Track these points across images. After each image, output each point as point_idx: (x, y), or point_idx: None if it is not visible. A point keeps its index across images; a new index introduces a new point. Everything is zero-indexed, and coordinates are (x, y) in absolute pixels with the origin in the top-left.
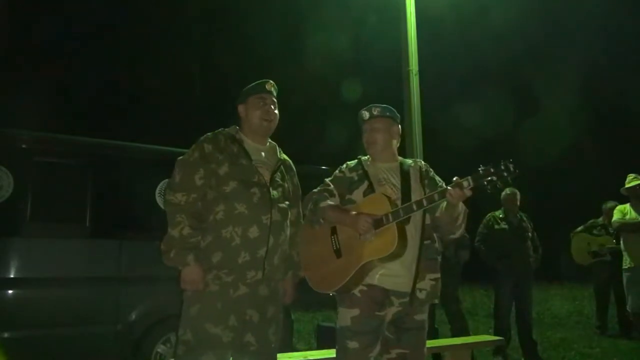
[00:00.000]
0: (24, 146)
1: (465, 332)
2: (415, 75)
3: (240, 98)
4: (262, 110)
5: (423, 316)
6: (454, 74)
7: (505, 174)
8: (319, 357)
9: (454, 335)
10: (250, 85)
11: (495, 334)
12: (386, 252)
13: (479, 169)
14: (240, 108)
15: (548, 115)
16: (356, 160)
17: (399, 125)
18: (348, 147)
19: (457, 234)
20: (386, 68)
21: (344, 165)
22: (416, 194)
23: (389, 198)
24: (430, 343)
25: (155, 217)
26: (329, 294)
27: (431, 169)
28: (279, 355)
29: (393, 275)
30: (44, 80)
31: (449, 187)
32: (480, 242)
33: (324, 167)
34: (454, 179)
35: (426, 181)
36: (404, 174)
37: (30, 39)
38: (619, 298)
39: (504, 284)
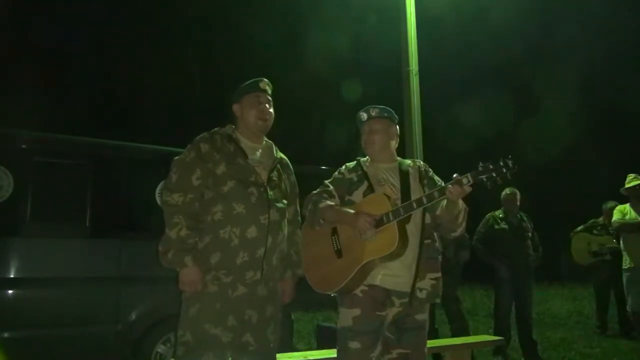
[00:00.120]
0: (24, 146)
1: (465, 332)
2: (415, 75)
3: (235, 97)
4: (258, 110)
5: (424, 316)
6: (454, 74)
7: (504, 170)
8: (319, 357)
9: (454, 335)
10: (245, 84)
11: (495, 334)
12: (387, 251)
13: (478, 165)
14: (236, 107)
15: (548, 115)
16: (355, 162)
17: (397, 126)
18: (348, 147)
19: (458, 232)
20: (386, 68)
21: (343, 167)
22: (416, 194)
23: (388, 197)
24: (430, 343)
25: (155, 217)
26: (330, 294)
27: (430, 169)
28: (279, 355)
29: (394, 275)
30: (44, 80)
31: (448, 185)
32: (477, 241)
33: (324, 167)
34: (454, 175)
35: (425, 181)
36: (403, 174)
37: (30, 39)
38: (619, 298)
39: (504, 284)
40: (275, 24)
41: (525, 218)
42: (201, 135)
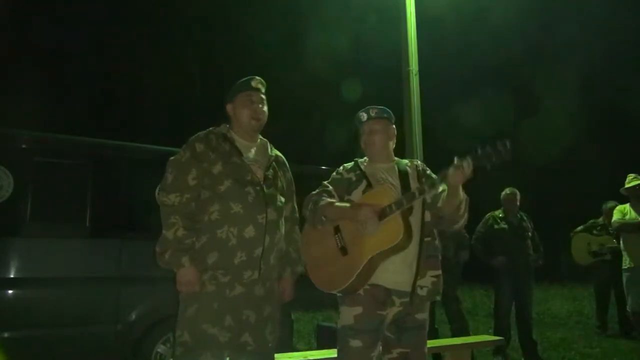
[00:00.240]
0: (24, 146)
1: (465, 332)
2: (415, 75)
3: (228, 97)
4: (250, 109)
5: (424, 315)
6: (454, 74)
7: (501, 150)
8: (319, 357)
9: (454, 335)
10: (237, 83)
11: (495, 334)
12: (393, 241)
13: (477, 148)
14: (229, 107)
15: (548, 115)
16: (352, 162)
17: (394, 126)
18: (348, 147)
19: (461, 224)
20: (386, 68)
21: (341, 167)
22: None
23: (390, 190)
24: (430, 343)
25: (155, 217)
26: (336, 293)
27: (427, 168)
28: (278, 355)
29: (395, 273)
30: (44, 80)
31: (449, 168)
32: (477, 241)
33: (324, 167)
34: (454, 159)
35: (424, 179)
36: (402, 174)
37: (30, 39)
38: (619, 298)
39: (504, 284)
40: (275, 24)
41: (525, 218)
42: (196, 135)
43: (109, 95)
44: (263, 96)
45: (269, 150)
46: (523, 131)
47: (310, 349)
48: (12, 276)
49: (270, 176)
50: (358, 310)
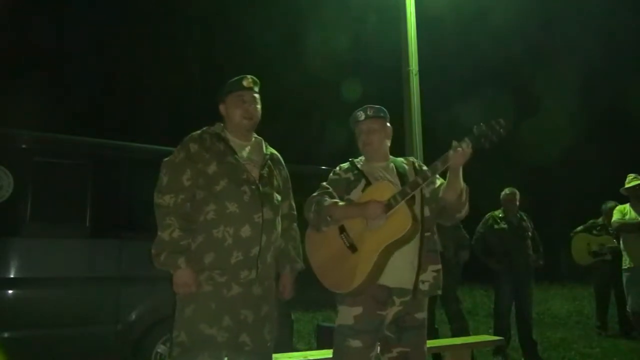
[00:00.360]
0: (24, 146)
1: (465, 332)
2: (415, 75)
3: (220, 97)
4: (242, 109)
5: (423, 315)
6: (454, 74)
7: (498, 128)
8: (319, 357)
9: (454, 335)
10: (229, 82)
11: (495, 334)
12: (402, 231)
13: (473, 129)
14: (221, 107)
15: (548, 115)
16: (348, 162)
17: (389, 125)
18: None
19: (463, 213)
20: (386, 68)
21: (337, 168)
22: None
23: (389, 185)
24: (430, 343)
25: (155, 217)
26: (350, 292)
27: (423, 164)
28: (279, 355)
29: (398, 270)
30: (44, 80)
31: (449, 151)
32: (477, 241)
33: (324, 167)
34: (453, 142)
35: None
36: (400, 172)
37: (30, 39)
38: (619, 298)
39: (504, 283)
40: (275, 24)
41: (525, 218)
42: (190, 135)
43: (109, 95)
44: (256, 95)
45: (264, 148)
46: (523, 131)
47: (310, 349)
48: (12, 276)
49: (265, 175)
50: (358, 310)
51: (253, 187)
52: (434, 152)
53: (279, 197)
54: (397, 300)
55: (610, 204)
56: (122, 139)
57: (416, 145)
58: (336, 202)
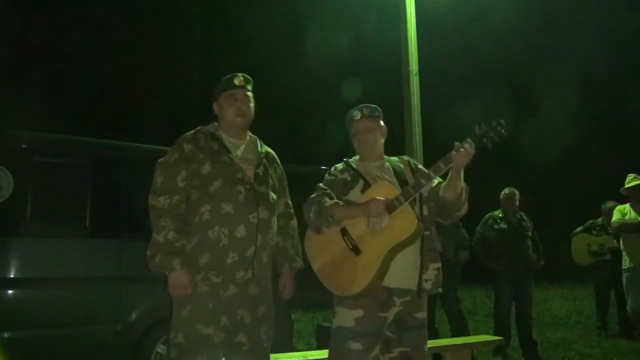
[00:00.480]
0: (24, 146)
1: (465, 332)
2: (415, 75)
3: (213, 96)
4: (234, 107)
5: (423, 314)
6: (454, 74)
7: (499, 128)
8: (319, 357)
9: (454, 335)
10: (221, 81)
11: (495, 334)
12: (407, 233)
13: (475, 129)
14: (215, 106)
15: (548, 115)
16: (343, 163)
17: (383, 124)
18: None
19: (462, 212)
20: (386, 68)
21: (332, 169)
22: None
23: (390, 185)
24: (430, 343)
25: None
26: (357, 293)
27: (418, 162)
28: (279, 355)
29: (401, 271)
30: (44, 80)
31: (452, 152)
32: (476, 242)
33: (324, 167)
34: (456, 143)
35: (417, 174)
36: (396, 171)
37: (30, 39)
38: (619, 298)
39: (504, 284)
40: (275, 24)
41: (525, 218)
42: (184, 135)
43: (108, 95)
44: (248, 93)
45: (259, 147)
46: (523, 131)
47: (310, 349)
48: (12, 276)
49: (261, 173)
50: (359, 313)
51: (248, 186)
52: (434, 152)
53: (275, 196)
54: (398, 301)
55: (610, 204)
56: (122, 139)
57: (416, 145)
58: (337, 203)
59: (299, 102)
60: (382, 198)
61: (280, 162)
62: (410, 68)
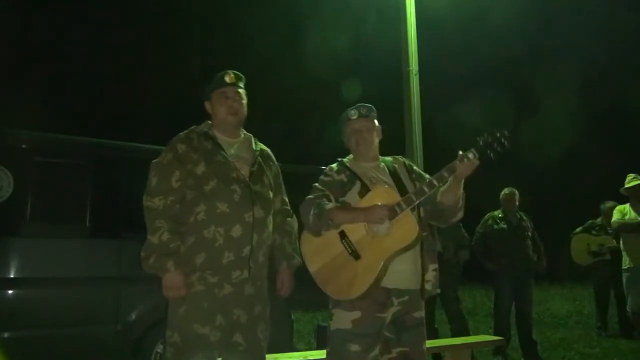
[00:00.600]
0: (24, 146)
1: (465, 332)
2: (415, 75)
3: (205, 95)
4: (226, 106)
5: (421, 313)
6: (454, 74)
7: (502, 139)
8: (319, 357)
9: (454, 335)
10: (212, 79)
11: (495, 334)
12: (409, 239)
13: (478, 140)
14: (207, 105)
15: (548, 115)
16: (337, 163)
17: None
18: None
19: (458, 217)
20: (386, 68)
21: (328, 169)
22: (411, 189)
23: (390, 190)
24: (430, 343)
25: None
26: (356, 298)
27: (412, 163)
28: (279, 355)
29: (401, 273)
30: (44, 80)
31: (456, 162)
32: (476, 242)
33: (323, 167)
34: (459, 152)
35: (413, 175)
36: (392, 172)
37: (30, 39)
38: (619, 298)
39: (504, 284)
40: (275, 24)
41: (524, 218)
42: (177, 135)
43: (108, 95)
44: (240, 90)
45: (254, 144)
46: (523, 131)
47: (310, 349)
48: (12, 276)
49: (256, 172)
50: (356, 314)
51: (243, 185)
52: (434, 152)
53: (271, 194)
54: (396, 301)
55: (609, 204)
56: (122, 139)
57: (416, 145)
58: (338, 206)
59: (299, 102)
60: (384, 203)
61: (280, 162)
62: (410, 68)
